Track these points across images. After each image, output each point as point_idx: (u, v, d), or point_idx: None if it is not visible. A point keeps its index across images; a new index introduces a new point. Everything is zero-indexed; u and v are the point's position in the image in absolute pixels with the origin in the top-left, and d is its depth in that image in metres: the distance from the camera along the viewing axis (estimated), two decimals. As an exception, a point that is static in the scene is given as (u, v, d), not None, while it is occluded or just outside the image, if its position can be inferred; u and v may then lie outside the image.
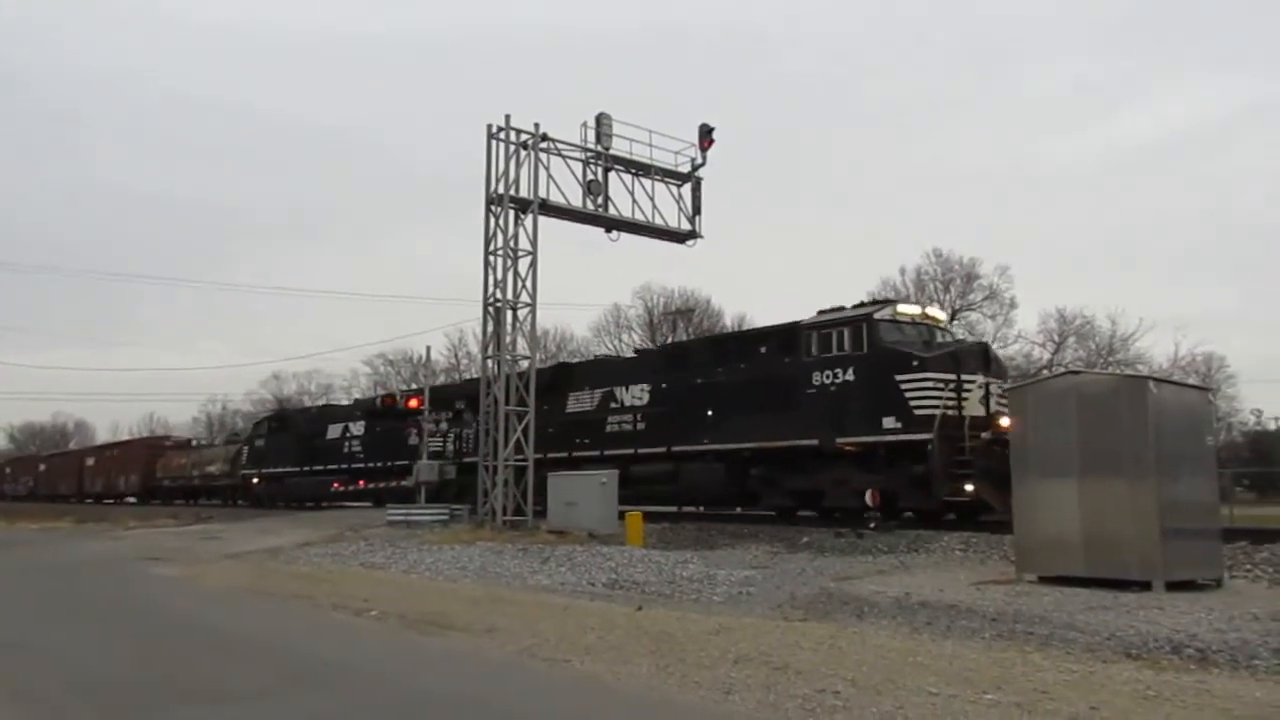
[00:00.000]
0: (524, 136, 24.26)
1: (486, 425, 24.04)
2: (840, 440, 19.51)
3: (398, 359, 71.43)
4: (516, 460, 23.47)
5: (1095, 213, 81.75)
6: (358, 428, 36.06)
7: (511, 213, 24.01)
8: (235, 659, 8.23)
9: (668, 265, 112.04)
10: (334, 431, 37.85)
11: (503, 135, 24.13)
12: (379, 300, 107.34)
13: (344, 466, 36.22)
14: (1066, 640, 8.20)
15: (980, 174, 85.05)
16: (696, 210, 26.49)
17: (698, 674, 6.87)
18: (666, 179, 26.12)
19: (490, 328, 24.37)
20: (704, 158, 26.08)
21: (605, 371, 27.57)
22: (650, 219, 25.82)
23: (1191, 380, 38.15)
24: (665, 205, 26.05)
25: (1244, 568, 12.62)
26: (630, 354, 33.82)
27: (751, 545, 18.25)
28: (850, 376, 19.60)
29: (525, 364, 24.63)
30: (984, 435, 18.08)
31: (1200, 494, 11.99)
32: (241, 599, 12.86)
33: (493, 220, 24.10)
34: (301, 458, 39.33)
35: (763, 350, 22.05)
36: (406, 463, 29.52)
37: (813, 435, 19.77)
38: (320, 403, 58.63)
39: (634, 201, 25.54)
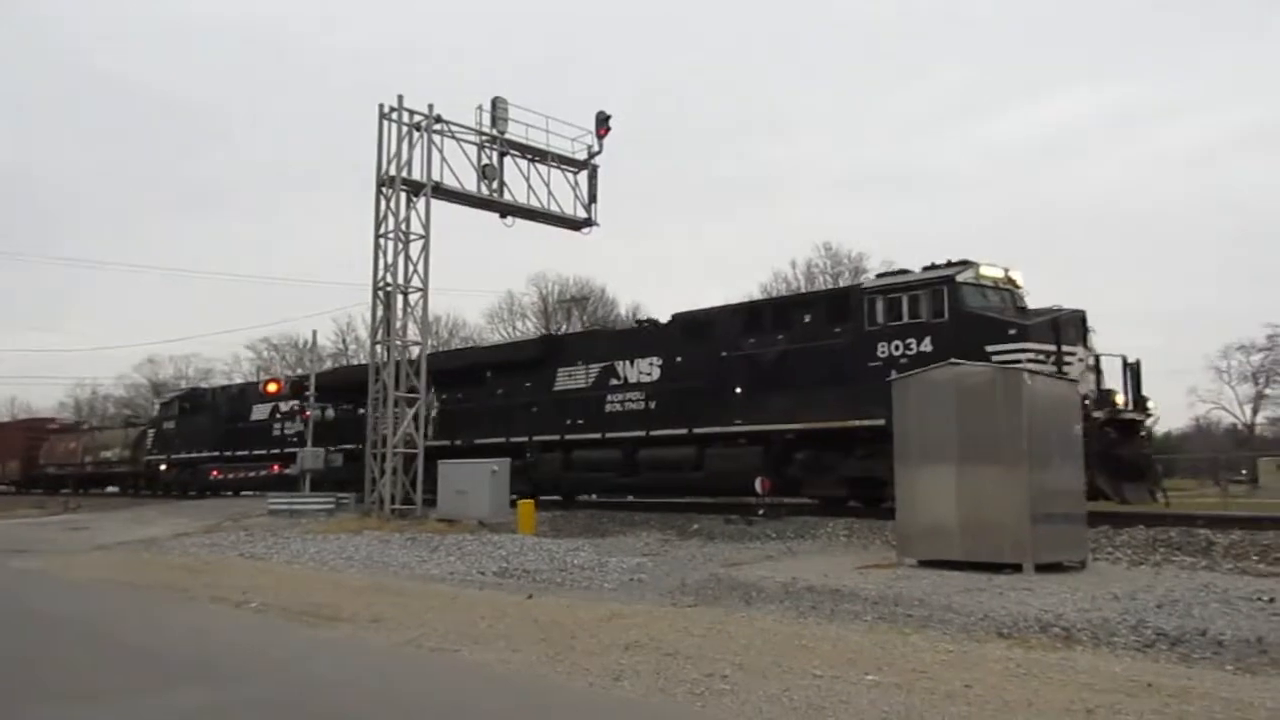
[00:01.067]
0: (417, 118, 23.80)
1: (376, 412, 23.52)
2: None
3: (283, 343, 69.32)
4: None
5: (974, 210, 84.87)
6: (290, 408, 32.99)
7: (403, 195, 23.53)
8: (102, 655, 7.83)
9: (563, 253, 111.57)
10: (260, 412, 34.71)
11: (395, 116, 23.62)
12: (263, 282, 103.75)
13: (274, 452, 32.96)
14: (944, 621, 8.50)
15: (871, 171, 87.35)
16: (593, 198, 26.45)
17: (588, 661, 6.86)
18: (563, 166, 26.00)
19: (380, 312, 23.84)
20: (601, 145, 26.04)
21: (603, 344, 24.89)
22: (546, 205, 25.67)
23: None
24: (561, 192, 26.01)
25: (1106, 550, 13.34)
26: (630, 325, 28.17)
27: (643, 532, 18.39)
28: (927, 347, 17.12)
29: (416, 350, 24.18)
30: (1096, 416, 15.86)
31: (1068, 481, 12.60)
32: (110, 592, 12.26)
33: (383, 202, 23.58)
34: (220, 441, 35.88)
35: (807, 319, 19.55)
36: (355, 447, 27.03)
37: (877, 415, 16.66)
38: (241, 380, 53.52)
39: (529, 187, 25.39)
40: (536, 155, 25.43)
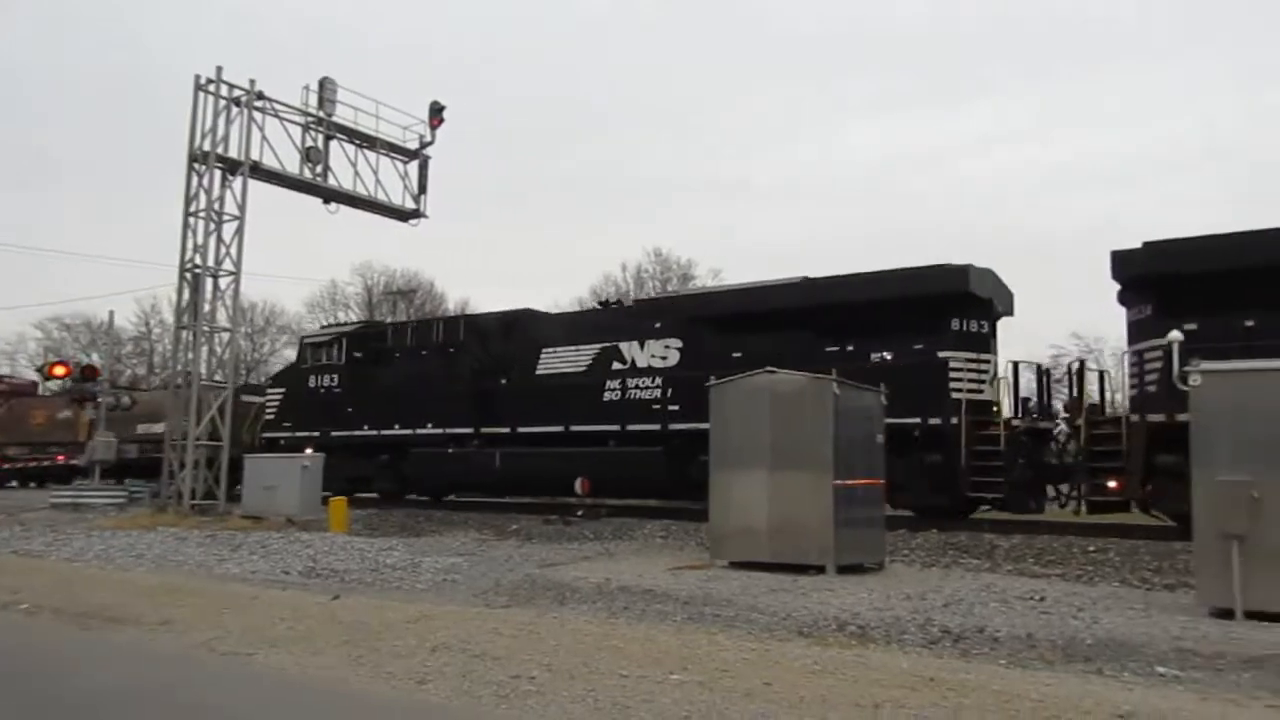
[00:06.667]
0: (237, 92, 22.58)
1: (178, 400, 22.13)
2: None
3: (76, 324, 64.00)
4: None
5: (798, 223, 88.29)
6: (656, 351, 20.03)
7: (218, 173, 22.30)
8: None
9: (392, 244, 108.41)
10: (566, 360, 21.28)
11: (212, 88, 22.33)
12: (52, 256, 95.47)
13: (596, 427, 20.18)
14: (749, 621, 8.75)
15: (705, 182, 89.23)
16: (422, 189, 25.94)
17: (392, 663, 6.67)
18: (392, 154, 25.39)
19: (187, 296, 22.47)
20: (433, 136, 25.61)
21: None
22: (373, 194, 24.95)
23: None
24: (390, 181, 25.39)
25: (903, 552, 14.13)
26: None
27: (460, 532, 18.10)
28: None
29: (226, 336, 22.93)
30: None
31: (870, 487, 13.24)
32: None
33: (195, 179, 22.26)
34: (466, 408, 22.12)
35: None
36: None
37: None
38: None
39: (356, 174, 24.64)
40: (365, 141, 24.69)
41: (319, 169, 23.90)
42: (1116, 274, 15.57)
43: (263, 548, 15.04)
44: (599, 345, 20.62)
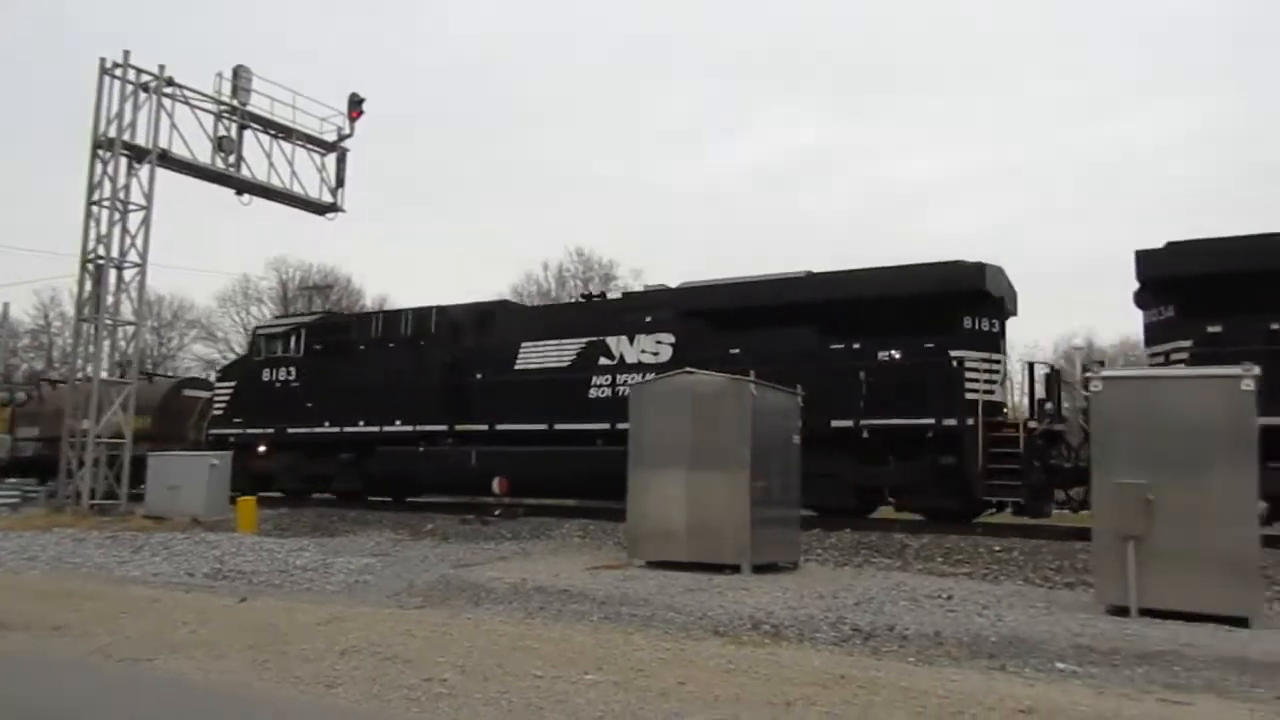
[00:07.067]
0: (145, 78, 21.80)
1: (74, 396, 21.27)
2: None
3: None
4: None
5: (721, 225, 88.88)
6: (646, 346, 19.06)
7: (123, 160, 21.49)
8: None
9: (308, 238, 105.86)
10: (543, 354, 20.18)
11: (119, 73, 21.52)
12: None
13: (583, 425, 19.02)
14: (665, 620, 8.78)
15: (621, 183, 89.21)
16: (340, 182, 25.43)
17: (300, 667, 6.50)
18: (309, 146, 24.79)
19: (89, 287, 21.60)
20: (352, 129, 25.17)
21: None
22: (288, 186, 24.35)
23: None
24: (306, 174, 24.82)
25: (816, 552, 14.34)
26: None
27: (374, 532, 17.78)
28: None
29: (130, 330, 22.12)
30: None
31: (786, 487, 13.43)
32: None
33: (99, 166, 21.42)
34: (432, 405, 20.90)
35: None
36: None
37: None
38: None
39: (271, 165, 24.02)
40: (281, 132, 24.08)
41: (231, 159, 23.22)
42: (1139, 274, 15.38)
43: (166, 549, 14.56)
44: (584, 339, 19.60)
